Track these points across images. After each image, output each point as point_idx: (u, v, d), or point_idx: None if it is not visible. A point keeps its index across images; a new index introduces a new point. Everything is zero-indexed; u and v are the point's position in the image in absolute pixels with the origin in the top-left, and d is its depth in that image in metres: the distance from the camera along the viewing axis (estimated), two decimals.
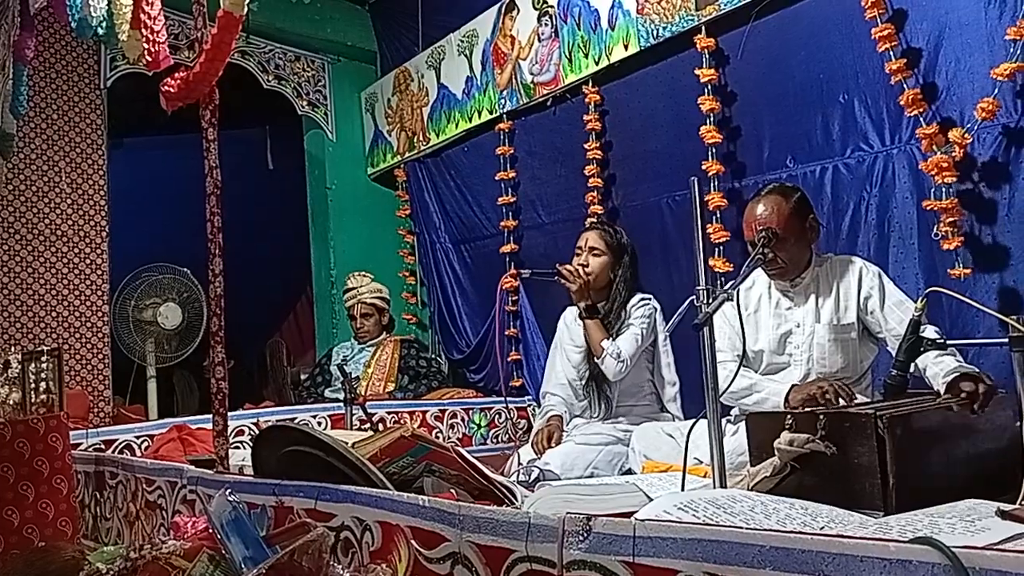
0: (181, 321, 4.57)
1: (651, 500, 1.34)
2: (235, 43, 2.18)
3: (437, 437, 3.45)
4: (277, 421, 3.16)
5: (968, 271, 2.56)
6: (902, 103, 2.66)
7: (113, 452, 3.03)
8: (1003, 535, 0.88)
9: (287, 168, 5.74)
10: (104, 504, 2.49)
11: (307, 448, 1.70)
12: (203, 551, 1.53)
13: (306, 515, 1.54)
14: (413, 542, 1.29)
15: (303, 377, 4.66)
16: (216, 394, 2.06)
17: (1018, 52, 2.41)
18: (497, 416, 3.94)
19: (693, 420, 1.94)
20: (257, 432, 2.96)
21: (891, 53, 2.69)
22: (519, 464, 2.75)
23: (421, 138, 4.96)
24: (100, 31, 2.48)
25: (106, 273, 4.34)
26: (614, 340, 2.86)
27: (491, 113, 4.44)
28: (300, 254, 5.49)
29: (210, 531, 1.61)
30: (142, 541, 2.06)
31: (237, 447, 2.97)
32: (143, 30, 2.42)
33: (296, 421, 3.31)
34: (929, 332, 2.06)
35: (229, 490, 1.60)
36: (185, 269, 4.66)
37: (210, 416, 2.14)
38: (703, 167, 3.22)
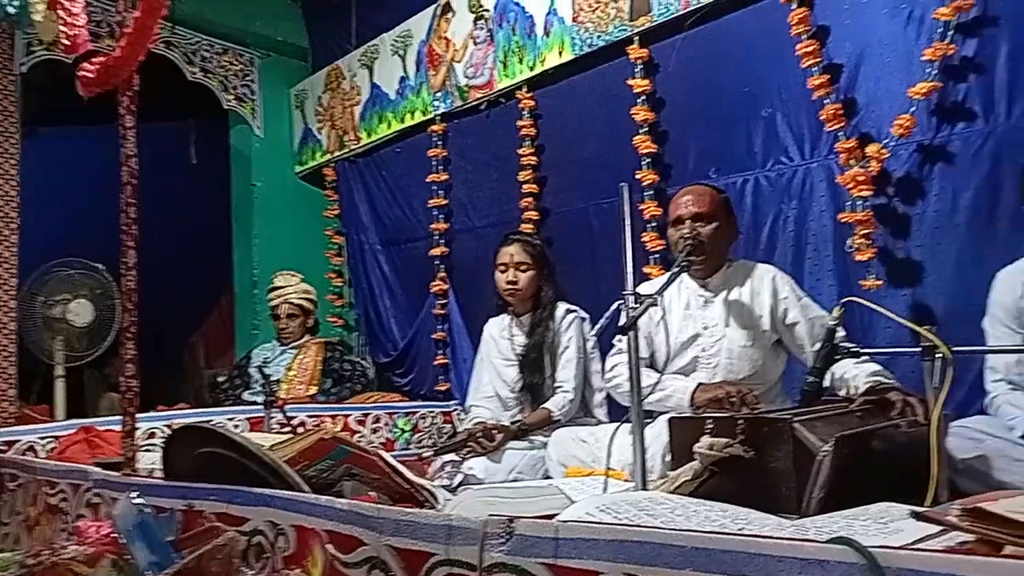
0: (93, 319, 4.38)
1: (574, 503, 1.34)
2: (158, 28, 2.10)
3: (360, 442, 3.39)
4: (191, 423, 3.05)
5: (880, 283, 2.65)
6: (823, 118, 2.74)
7: (15, 453, 2.88)
8: (916, 535, 0.90)
9: (211, 163, 5.57)
10: (2, 508, 2.36)
11: (221, 450, 1.63)
12: (106, 556, 1.46)
13: (217, 519, 1.48)
14: (329, 546, 1.25)
15: (220, 379, 4.51)
16: (125, 393, 1.97)
17: (934, 72, 2.51)
18: (421, 421, 3.89)
19: (615, 427, 1.95)
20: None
21: (814, 69, 2.77)
22: (442, 468, 2.72)
23: (352, 137, 4.89)
24: (11, 10, 2.37)
25: (14, 267, 4.11)
26: (553, 375, 2.92)
27: (424, 115, 4.40)
28: (222, 252, 5.33)
29: (115, 536, 1.54)
30: (41, 547, 1.96)
31: (149, 450, 2.85)
32: (59, 11, 2.31)
33: (211, 424, 3.20)
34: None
35: (136, 493, 1.54)
36: (99, 265, 4.47)
37: (120, 417, 2.04)
38: (636, 176, 3.25)
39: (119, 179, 2.05)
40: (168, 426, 3.17)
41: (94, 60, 2.20)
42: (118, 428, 2.19)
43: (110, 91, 2.20)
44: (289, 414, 3.12)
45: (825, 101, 2.74)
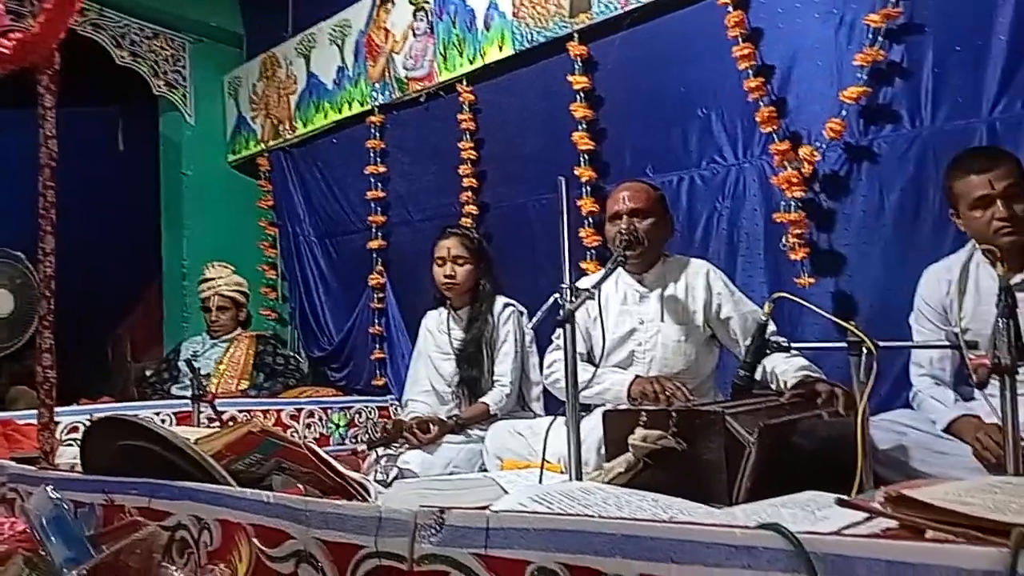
0: (12, 309, 4.20)
1: (507, 494, 1.33)
2: (80, 5, 2.02)
3: (292, 437, 3.31)
4: (112, 415, 2.94)
5: (812, 280, 2.71)
6: (758, 120, 2.80)
7: None
8: (842, 523, 0.91)
9: (139, 150, 5.39)
10: None
11: (144, 443, 1.57)
12: (18, 553, 1.39)
13: (139, 514, 1.43)
14: (255, 540, 1.22)
15: (148, 372, 4.37)
16: (42, 384, 1.89)
17: (865, 77, 2.58)
18: (357, 416, 3.84)
19: (550, 420, 1.95)
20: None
21: (749, 71, 2.81)
22: (377, 462, 2.69)
23: (287, 127, 4.79)
24: None
25: None
26: (490, 369, 2.90)
27: (362, 105, 4.34)
28: (151, 242, 5.16)
29: (28, 532, 1.48)
30: None
31: (70, 444, 2.74)
32: None
33: (134, 416, 3.09)
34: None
35: (51, 487, 1.47)
36: (19, 253, 4.28)
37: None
38: (575, 172, 3.27)
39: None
40: (90, 420, 3.06)
41: (11, 36, 2.10)
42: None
43: (29, 70, 2.11)
44: (219, 409, 3.03)
45: (760, 103, 2.79)
